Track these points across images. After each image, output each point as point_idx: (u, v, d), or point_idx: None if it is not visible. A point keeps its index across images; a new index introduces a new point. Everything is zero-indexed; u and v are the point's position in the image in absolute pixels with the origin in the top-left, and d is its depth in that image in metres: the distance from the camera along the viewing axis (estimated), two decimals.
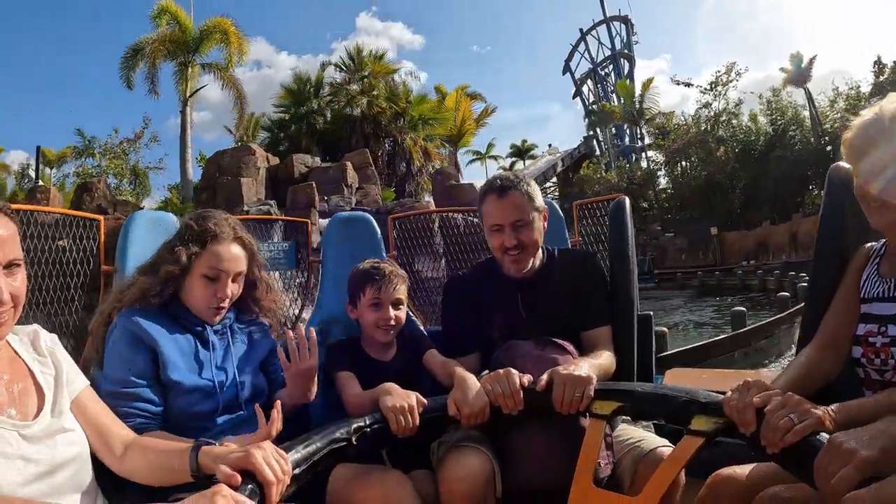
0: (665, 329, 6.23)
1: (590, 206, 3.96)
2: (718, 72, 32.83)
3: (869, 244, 1.53)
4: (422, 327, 2.16)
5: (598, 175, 32.57)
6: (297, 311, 3.46)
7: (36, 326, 1.31)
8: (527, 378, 1.51)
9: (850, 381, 1.44)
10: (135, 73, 18.78)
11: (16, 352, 1.23)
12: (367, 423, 1.42)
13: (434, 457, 1.63)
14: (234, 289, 1.59)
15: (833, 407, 1.17)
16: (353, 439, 1.35)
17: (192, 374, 1.50)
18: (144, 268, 1.59)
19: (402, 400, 1.44)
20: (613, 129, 40.05)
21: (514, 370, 1.52)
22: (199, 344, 1.56)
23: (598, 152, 39.91)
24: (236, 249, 1.60)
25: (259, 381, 1.63)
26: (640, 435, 1.64)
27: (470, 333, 1.85)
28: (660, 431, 1.71)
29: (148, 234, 1.87)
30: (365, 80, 19.71)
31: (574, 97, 41.01)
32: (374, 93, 19.12)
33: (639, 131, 37.05)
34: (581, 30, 39.59)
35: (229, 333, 1.64)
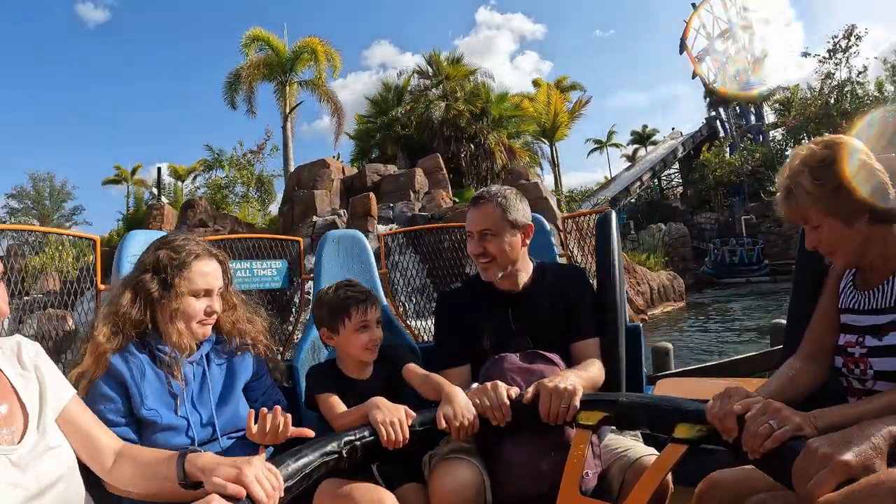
0: (668, 345, 5.74)
1: (576, 218, 3.90)
2: (835, 37, 28.13)
3: None
4: (413, 342, 2.22)
5: (720, 158, 29.45)
6: (290, 328, 3.32)
7: (19, 337, 1.29)
8: (514, 390, 1.56)
9: (837, 389, 1.47)
10: (237, 95, 19.86)
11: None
12: (358, 436, 1.42)
13: (426, 470, 1.65)
14: (218, 304, 1.60)
15: (813, 413, 1.20)
16: (344, 452, 1.36)
17: (166, 411, 1.48)
18: (115, 298, 1.58)
19: (392, 413, 1.46)
20: (737, 107, 36.03)
21: (501, 383, 1.57)
22: (172, 379, 1.54)
23: (721, 133, 36.09)
24: (214, 265, 1.63)
25: (240, 409, 1.61)
26: (628, 444, 1.68)
27: (461, 346, 1.89)
28: (648, 441, 1.73)
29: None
30: (442, 84, 19.36)
31: (693, 76, 37.45)
32: (457, 95, 18.70)
33: (763, 108, 32.96)
34: (693, 4, 35.98)
35: (205, 363, 1.61)
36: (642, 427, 1.53)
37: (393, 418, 1.44)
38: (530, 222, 1.91)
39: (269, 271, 2.76)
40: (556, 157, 27.70)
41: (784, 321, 6.12)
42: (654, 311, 15.99)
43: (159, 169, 22.77)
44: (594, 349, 1.85)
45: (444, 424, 1.49)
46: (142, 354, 1.51)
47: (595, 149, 47.54)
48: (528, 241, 1.90)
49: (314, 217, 13.75)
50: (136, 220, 21.16)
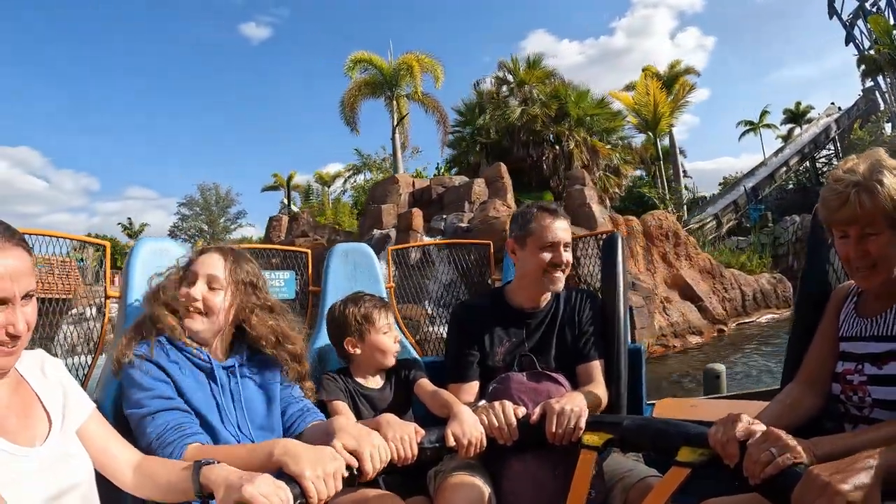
0: (720, 367, 5.41)
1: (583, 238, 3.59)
2: None
3: (848, 282, 1.65)
4: (417, 356, 2.33)
5: (875, 135, 24.89)
6: None
7: (40, 351, 1.37)
8: (521, 410, 1.65)
9: (836, 416, 1.56)
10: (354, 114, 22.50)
11: (22, 376, 1.29)
12: None
13: (431, 484, 1.77)
14: (206, 294, 1.62)
15: (813, 441, 1.27)
16: (355, 469, 1.41)
17: (208, 408, 1.58)
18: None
19: (402, 430, 1.50)
20: None
21: (508, 402, 1.66)
22: (210, 380, 1.62)
23: (881, 107, 30.37)
24: (214, 255, 1.67)
25: (270, 422, 1.68)
26: (630, 465, 1.77)
27: (472, 362, 2.00)
28: (649, 462, 1.81)
29: (153, 261, 1.91)
30: (517, 89, 19.00)
31: (847, 43, 32.04)
32: (534, 97, 18.35)
33: None
34: None
35: (238, 374, 1.68)
36: (646, 449, 1.60)
37: (403, 435, 1.48)
38: None
39: (277, 282, 2.75)
40: (657, 151, 25.23)
41: (718, 367, 5.39)
42: (746, 319, 14.33)
43: (288, 182, 24.83)
44: (598, 371, 1.97)
45: (452, 442, 1.57)
46: (179, 353, 1.60)
47: (747, 131, 42.83)
48: None
49: (374, 230, 14.25)
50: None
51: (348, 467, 1.31)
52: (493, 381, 1.93)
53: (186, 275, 1.65)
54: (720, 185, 37.74)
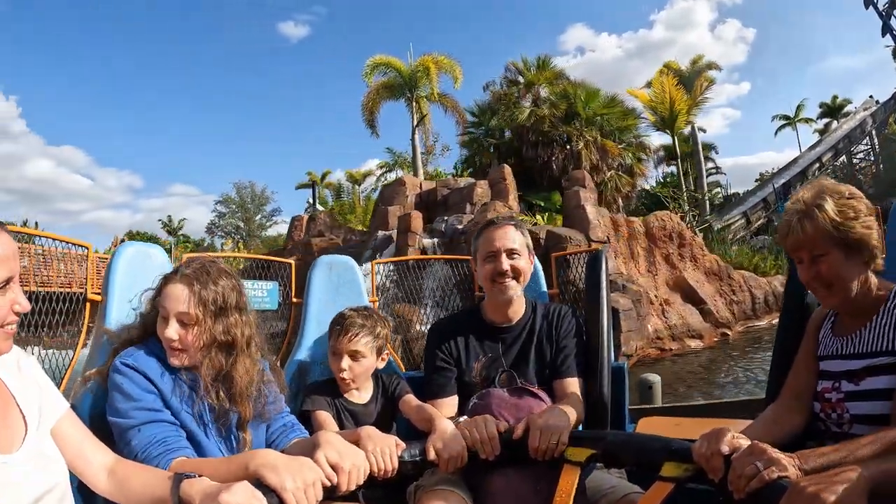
0: (656, 378, 5.55)
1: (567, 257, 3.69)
2: None
3: None
4: (399, 370, 2.32)
5: None
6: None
7: (16, 348, 1.32)
8: (503, 425, 1.66)
9: (817, 434, 1.58)
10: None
11: None
12: None
13: (411, 499, 1.76)
14: (181, 332, 1.55)
15: (798, 454, 1.27)
16: (332, 479, 1.42)
17: (193, 422, 1.55)
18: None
19: (382, 443, 1.51)
20: None
21: (490, 417, 1.67)
22: (195, 393, 1.58)
23: None
24: (178, 287, 1.57)
25: (255, 437, 1.66)
26: (613, 481, 1.76)
27: (450, 377, 1.99)
28: (632, 478, 1.79)
29: (135, 265, 1.91)
30: (524, 89, 18.99)
31: (884, 34, 30.48)
32: (543, 98, 18.23)
33: None
34: None
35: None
36: (629, 464, 1.57)
37: (384, 447, 1.49)
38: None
39: (260, 292, 2.78)
40: (675, 147, 24.54)
41: (652, 377, 5.47)
42: (756, 323, 14.02)
43: (322, 178, 25.17)
44: (576, 388, 1.94)
45: (433, 456, 1.57)
46: (165, 363, 1.57)
47: (784, 125, 41.33)
48: (532, 269, 2.08)
49: (379, 231, 14.51)
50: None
51: (329, 480, 1.32)
52: (472, 396, 1.92)
53: (161, 309, 1.59)
54: (756, 181, 36.61)
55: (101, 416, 1.56)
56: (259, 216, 47.86)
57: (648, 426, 2.34)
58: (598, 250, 2.32)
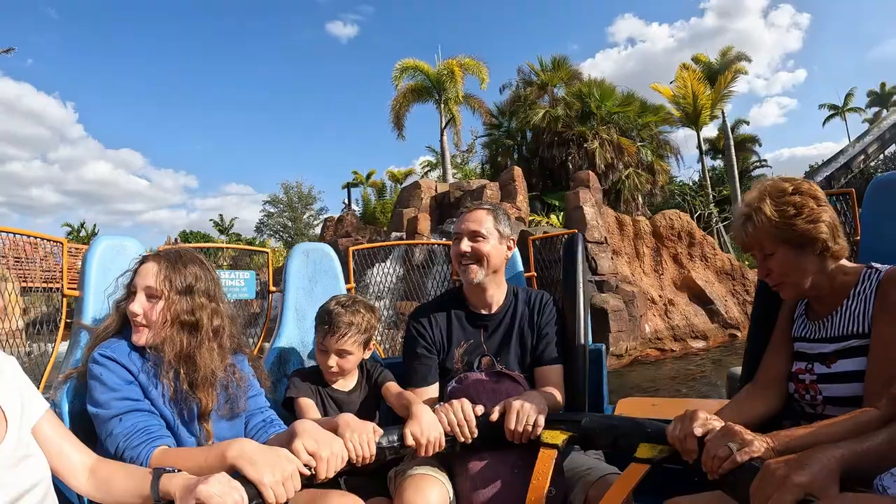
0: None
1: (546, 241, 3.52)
2: None
3: None
4: (378, 357, 2.33)
5: None
6: (256, 341, 3.42)
7: None
8: (479, 408, 1.67)
9: (793, 414, 1.59)
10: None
11: None
12: None
13: (391, 485, 1.77)
14: (145, 306, 1.57)
15: (771, 435, 1.29)
16: (311, 467, 1.43)
17: (172, 412, 1.57)
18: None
19: (360, 430, 1.52)
20: None
21: (467, 401, 1.67)
22: (180, 389, 1.58)
23: None
24: (149, 264, 1.61)
25: (233, 430, 1.66)
26: (590, 463, 1.77)
27: (430, 365, 1.99)
28: (610, 460, 1.82)
29: (111, 259, 1.89)
30: (535, 91, 19.02)
31: None
32: (559, 98, 18.31)
33: None
34: None
35: None
36: (605, 447, 1.60)
37: (362, 434, 1.51)
38: (514, 238, 2.09)
39: (238, 282, 2.74)
40: (700, 144, 23.80)
41: (737, 370, 5.51)
42: None
43: (349, 185, 25.71)
44: (557, 376, 1.96)
45: (410, 441, 1.58)
46: (144, 355, 1.59)
47: (832, 115, 39.53)
48: (509, 256, 2.07)
49: (393, 233, 15.00)
50: (365, 218, 26.17)
51: (308, 467, 1.34)
52: (451, 381, 1.93)
53: (131, 286, 1.63)
54: (805, 173, 35.10)
55: (80, 413, 1.57)
56: (307, 215, 49.17)
57: (626, 406, 2.36)
58: (574, 233, 2.33)
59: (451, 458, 1.69)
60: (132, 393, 1.52)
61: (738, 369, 5.51)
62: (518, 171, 16.37)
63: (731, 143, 26.04)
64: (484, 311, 2.04)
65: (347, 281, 2.61)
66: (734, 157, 26.09)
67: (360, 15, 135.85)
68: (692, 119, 23.38)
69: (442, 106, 23.76)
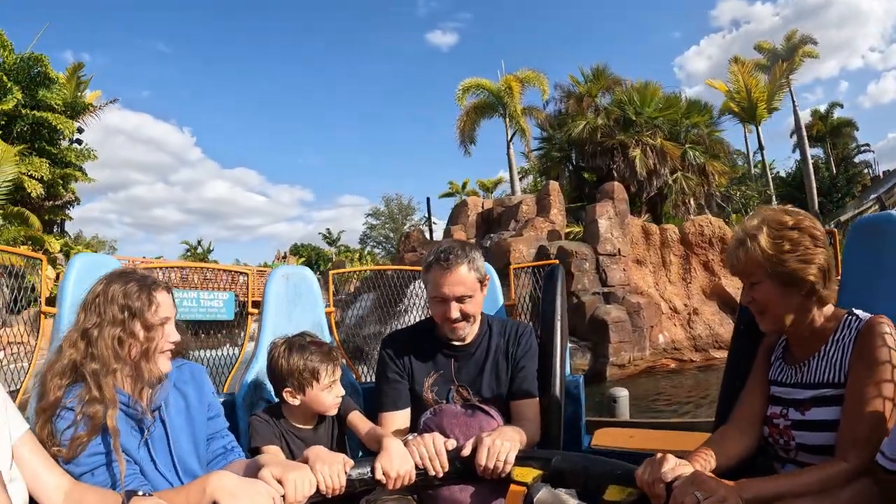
0: (624, 392, 5.42)
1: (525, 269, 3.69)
2: None
3: None
4: (355, 381, 2.34)
5: None
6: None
7: None
8: (451, 443, 1.65)
9: (767, 455, 1.58)
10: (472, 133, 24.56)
11: None
12: None
13: None
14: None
15: (740, 483, 1.28)
16: (283, 495, 1.45)
17: (140, 456, 1.52)
18: None
19: (330, 461, 1.51)
20: None
21: (439, 435, 1.67)
22: (139, 426, 1.55)
23: None
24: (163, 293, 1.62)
25: (197, 464, 1.64)
26: (562, 500, 1.70)
27: (401, 391, 1.98)
28: (582, 496, 1.75)
29: (89, 277, 1.76)
30: (574, 103, 19.14)
31: None
32: (599, 108, 18.34)
33: None
34: None
35: (163, 416, 1.61)
36: (575, 486, 1.57)
37: (332, 465, 1.49)
38: (486, 271, 2.06)
39: (216, 302, 2.64)
40: (761, 140, 22.23)
41: (618, 391, 5.66)
42: None
43: (428, 199, 26.94)
44: (532, 410, 1.94)
45: (380, 476, 1.57)
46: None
47: None
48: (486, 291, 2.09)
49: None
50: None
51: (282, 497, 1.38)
52: (425, 412, 1.91)
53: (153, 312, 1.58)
54: (871, 179, 31.43)
55: None
56: (408, 225, 49.66)
57: (604, 437, 2.35)
58: (554, 265, 2.28)
59: (422, 489, 1.67)
60: (99, 446, 1.44)
61: (617, 390, 5.43)
62: (554, 185, 16.60)
63: (804, 134, 23.85)
64: (456, 343, 2.00)
65: (327, 304, 2.59)
66: (807, 150, 23.90)
67: (458, 22, 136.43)
68: (748, 114, 22.12)
69: (507, 120, 24.23)
